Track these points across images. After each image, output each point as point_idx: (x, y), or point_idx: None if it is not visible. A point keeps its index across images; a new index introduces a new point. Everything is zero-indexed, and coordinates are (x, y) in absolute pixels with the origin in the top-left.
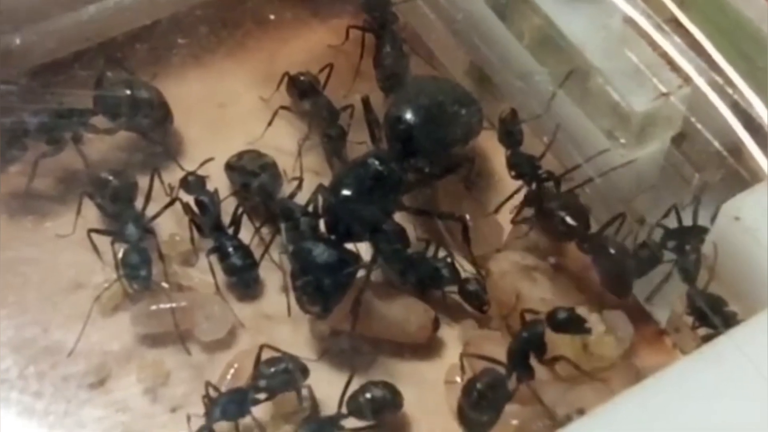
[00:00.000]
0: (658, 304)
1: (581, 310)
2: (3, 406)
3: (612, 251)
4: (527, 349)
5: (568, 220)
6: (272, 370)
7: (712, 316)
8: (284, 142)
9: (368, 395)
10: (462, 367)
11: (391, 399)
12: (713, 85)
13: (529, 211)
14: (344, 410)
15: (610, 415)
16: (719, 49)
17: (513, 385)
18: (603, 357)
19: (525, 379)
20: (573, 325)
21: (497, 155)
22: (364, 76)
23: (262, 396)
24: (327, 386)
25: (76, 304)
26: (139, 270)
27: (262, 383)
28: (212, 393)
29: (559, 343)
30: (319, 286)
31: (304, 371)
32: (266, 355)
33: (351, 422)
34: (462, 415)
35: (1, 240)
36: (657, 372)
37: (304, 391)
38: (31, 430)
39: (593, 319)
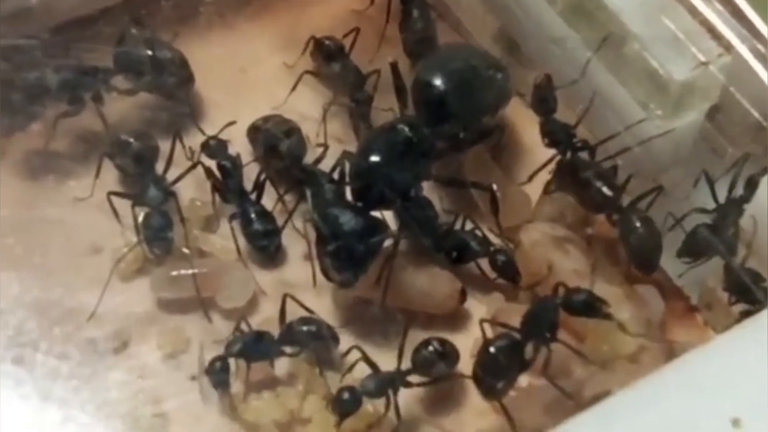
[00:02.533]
0: (690, 280)
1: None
2: (27, 368)
3: (638, 225)
4: (539, 321)
5: (605, 190)
6: (302, 325)
7: (755, 291)
8: (306, 108)
9: (431, 348)
10: (484, 336)
11: (452, 354)
12: (755, 53)
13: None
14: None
15: (648, 389)
16: (762, 15)
17: (530, 354)
18: (624, 345)
19: (540, 348)
20: (588, 308)
21: (524, 124)
22: (388, 42)
23: (287, 348)
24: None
25: (100, 266)
26: (161, 233)
27: (289, 334)
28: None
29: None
30: (348, 254)
31: (330, 328)
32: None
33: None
34: (477, 379)
35: (24, 199)
36: (693, 348)
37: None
38: (55, 394)
39: (621, 307)
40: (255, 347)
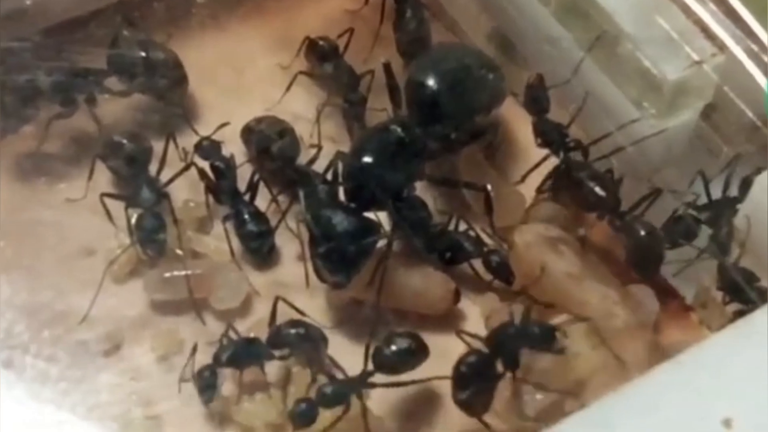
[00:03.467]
0: (685, 278)
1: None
2: (17, 371)
3: (642, 232)
4: (501, 347)
5: (598, 191)
6: (290, 328)
7: (749, 291)
8: (300, 109)
9: (393, 347)
10: (467, 345)
11: (417, 348)
12: (749, 52)
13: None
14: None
15: (641, 390)
16: (756, 15)
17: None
18: (579, 370)
19: (510, 368)
20: (541, 342)
21: (518, 124)
22: (382, 42)
23: (276, 351)
24: (342, 356)
25: (92, 268)
26: (155, 235)
27: (277, 337)
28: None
29: None
30: (340, 255)
31: (318, 329)
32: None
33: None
34: (455, 398)
35: (16, 202)
36: (687, 348)
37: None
38: (45, 396)
39: (576, 334)
40: (244, 354)
